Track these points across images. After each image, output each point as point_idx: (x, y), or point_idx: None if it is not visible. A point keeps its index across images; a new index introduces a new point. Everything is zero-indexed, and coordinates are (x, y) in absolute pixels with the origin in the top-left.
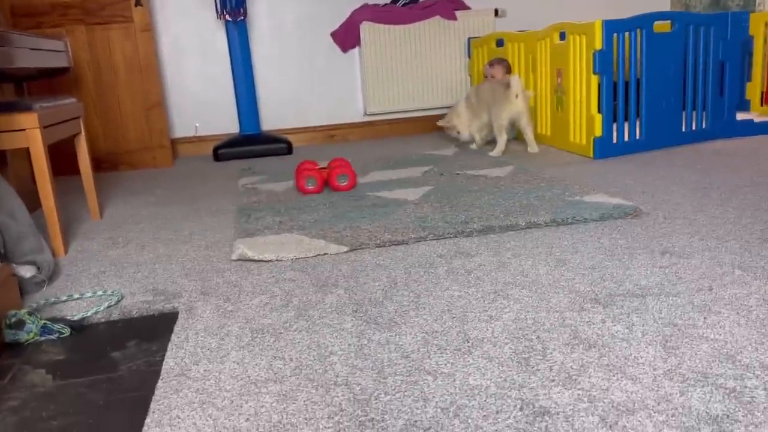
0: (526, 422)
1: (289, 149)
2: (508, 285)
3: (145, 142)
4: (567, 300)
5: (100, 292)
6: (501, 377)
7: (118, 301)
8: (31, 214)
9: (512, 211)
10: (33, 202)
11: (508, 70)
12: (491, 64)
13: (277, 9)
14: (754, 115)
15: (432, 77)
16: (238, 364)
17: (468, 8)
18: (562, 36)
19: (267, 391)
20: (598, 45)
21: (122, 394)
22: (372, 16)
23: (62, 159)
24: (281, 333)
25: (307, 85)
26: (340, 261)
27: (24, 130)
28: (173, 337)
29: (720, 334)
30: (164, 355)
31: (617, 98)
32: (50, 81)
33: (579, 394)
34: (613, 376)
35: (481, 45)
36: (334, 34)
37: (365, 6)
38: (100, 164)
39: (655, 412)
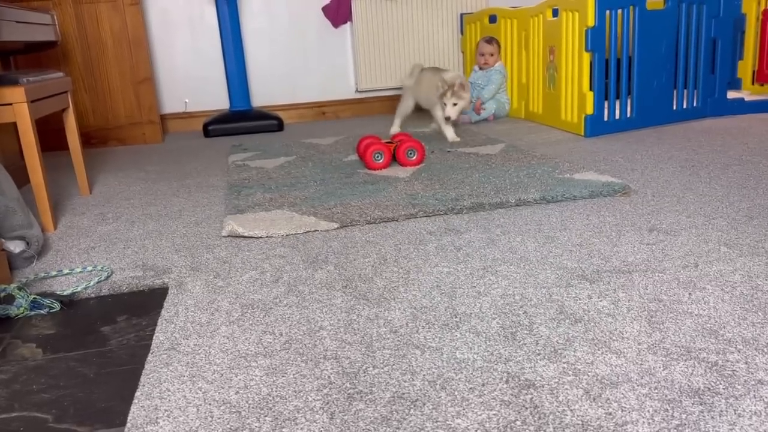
0: (512, 394)
1: (280, 126)
2: (496, 261)
3: (135, 117)
4: (554, 276)
5: (89, 268)
6: (488, 351)
7: (108, 277)
8: (20, 190)
9: (502, 189)
10: (21, 178)
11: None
12: (489, 41)
13: None
14: (745, 94)
15: (424, 54)
16: (228, 338)
17: None
18: (555, 12)
19: (257, 364)
20: (591, 22)
21: (112, 367)
22: None
23: (51, 134)
24: (271, 308)
25: (299, 61)
26: (331, 238)
27: (11, 104)
28: (163, 312)
29: (704, 310)
30: (154, 330)
31: (609, 76)
32: (38, 55)
33: (564, 368)
34: (598, 350)
35: (474, 21)
36: (325, 9)
37: None
38: (89, 140)
39: (638, 385)
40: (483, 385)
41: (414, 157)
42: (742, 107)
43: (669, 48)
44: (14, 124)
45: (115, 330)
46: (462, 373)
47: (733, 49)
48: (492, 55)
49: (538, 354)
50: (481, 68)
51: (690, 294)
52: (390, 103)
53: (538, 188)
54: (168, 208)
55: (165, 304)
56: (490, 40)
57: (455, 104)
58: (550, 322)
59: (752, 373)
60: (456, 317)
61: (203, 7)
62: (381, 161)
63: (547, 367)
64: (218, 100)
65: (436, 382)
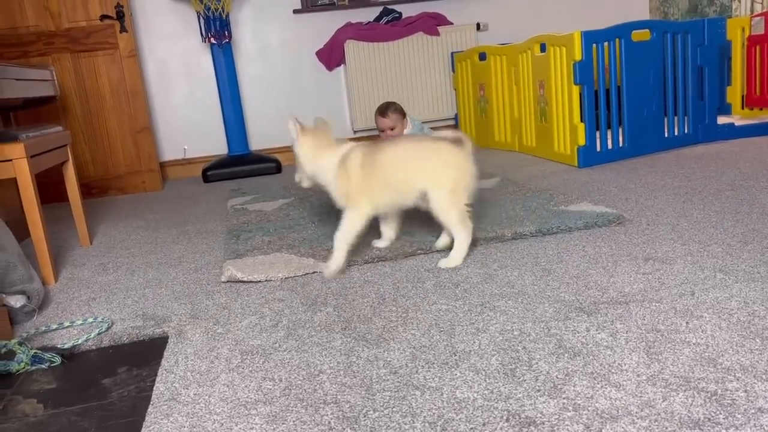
0: None
1: (278, 168)
2: (494, 296)
3: (134, 166)
4: (552, 310)
5: (90, 319)
6: (488, 389)
7: (108, 328)
8: (21, 243)
9: (498, 223)
10: (22, 231)
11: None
12: (383, 113)
13: (261, 31)
14: (736, 119)
15: (417, 92)
16: (227, 386)
17: (450, 23)
18: (543, 48)
19: (257, 412)
20: (578, 56)
21: (113, 420)
22: (356, 35)
23: (51, 186)
24: (270, 354)
25: (294, 103)
26: (329, 279)
27: (11, 160)
28: (163, 361)
29: (702, 338)
30: (154, 380)
31: (599, 107)
32: (37, 110)
33: (564, 403)
34: (598, 383)
35: (464, 59)
36: (319, 53)
37: (349, 24)
38: (90, 190)
39: (638, 418)
40: (484, 424)
41: None
42: (733, 132)
43: (657, 77)
44: (15, 179)
45: (115, 382)
46: (462, 413)
47: (720, 75)
48: (393, 128)
49: (538, 390)
50: None
51: (687, 323)
52: None
53: (534, 221)
54: (168, 255)
55: (165, 353)
56: (384, 112)
57: None
58: (549, 357)
59: (752, 402)
60: (455, 355)
61: (199, 56)
62: None
63: (548, 404)
64: (217, 146)
65: (436, 424)
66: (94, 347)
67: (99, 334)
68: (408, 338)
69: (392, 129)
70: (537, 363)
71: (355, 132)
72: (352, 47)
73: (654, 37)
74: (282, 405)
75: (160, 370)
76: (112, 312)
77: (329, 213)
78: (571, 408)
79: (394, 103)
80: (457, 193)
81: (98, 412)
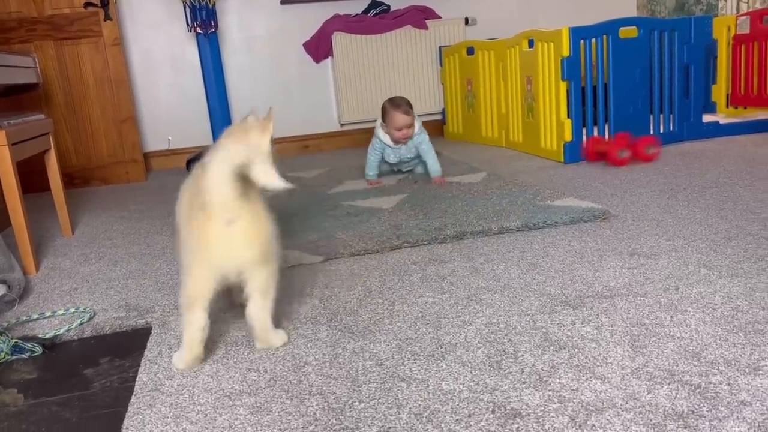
0: (498, 425)
1: None
2: (481, 290)
3: (118, 156)
4: (538, 303)
5: (72, 310)
6: (473, 381)
7: (91, 318)
8: (2, 233)
9: (485, 217)
10: (3, 221)
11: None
12: (406, 112)
13: (248, 21)
14: (720, 117)
15: (405, 85)
16: (211, 377)
17: (439, 17)
18: (531, 43)
19: (241, 403)
20: (566, 52)
21: (95, 411)
22: (343, 27)
23: (33, 175)
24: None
25: (281, 95)
26: (315, 271)
27: None
28: (146, 352)
29: (686, 332)
30: (137, 371)
31: (586, 103)
32: (19, 97)
33: (549, 395)
34: (583, 376)
35: (452, 53)
36: (306, 45)
37: (336, 16)
38: (72, 180)
39: (623, 411)
40: (469, 416)
41: (653, 151)
42: (718, 130)
43: (643, 74)
44: None
45: (98, 372)
46: (448, 404)
47: (705, 73)
48: (410, 126)
49: (524, 382)
50: (398, 142)
51: (672, 317)
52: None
53: (520, 215)
54: (151, 246)
55: (148, 344)
56: (403, 107)
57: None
58: (535, 350)
59: (735, 395)
60: (441, 347)
61: (185, 46)
62: (626, 156)
63: (533, 396)
64: (201, 136)
65: (422, 415)
66: (75, 337)
67: (81, 324)
68: (394, 330)
69: (409, 128)
70: (523, 355)
71: (342, 125)
72: (339, 39)
73: (641, 35)
74: (267, 396)
75: (143, 360)
76: (94, 302)
77: (315, 205)
78: (556, 400)
79: (404, 98)
80: None
81: (80, 402)
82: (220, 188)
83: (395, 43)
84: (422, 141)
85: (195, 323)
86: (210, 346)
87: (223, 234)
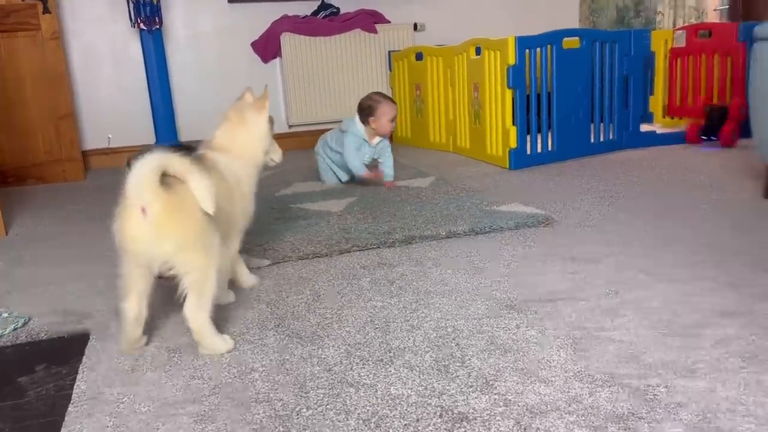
0: (446, 429)
1: None
2: (429, 294)
3: (55, 154)
4: (485, 307)
5: (5, 314)
6: (422, 386)
7: (25, 323)
8: None
9: (433, 221)
10: None
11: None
12: (384, 97)
13: (194, 18)
14: (657, 127)
15: (354, 88)
16: (153, 385)
17: (388, 22)
18: (478, 51)
19: (184, 411)
20: (512, 60)
21: (30, 420)
22: (292, 27)
23: None
24: (199, 351)
25: (227, 95)
26: (263, 275)
27: None
28: (85, 359)
29: (626, 336)
30: (75, 378)
31: (531, 111)
32: None
33: (495, 399)
34: (527, 379)
35: (401, 58)
36: (254, 45)
37: (285, 17)
38: (5, 178)
39: (566, 413)
40: (417, 420)
41: None
42: (655, 139)
43: (585, 84)
44: None
45: (32, 380)
46: (396, 409)
47: (644, 84)
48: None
49: (471, 386)
50: (383, 135)
51: (612, 321)
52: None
53: (467, 220)
54: (90, 249)
55: (86, 350)
56: (391, 99)
57: None
58: (482, 354)
59: (672, 396)
60: (390, 352)
61: (128, 41)
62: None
63: (480, 399)
64: (143, 135)
65: (370, 420)
66: (9, 344)
67: (15, 329)
68: (343, 335)
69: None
70: (470, 359)
71: (290, 126)
72: (288, 40)
73: (584, 45)
74: (211, 404)
75: (81, 367)
76: (29, 307)
77: (262, 207)
78: (502, 403)
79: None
80: None
81: (13, 411)
82: (137, 177)
83: (345, 46)
84: (387, 144)
85: (129, 311)
86: (153, 352)
87: (137, 222)
